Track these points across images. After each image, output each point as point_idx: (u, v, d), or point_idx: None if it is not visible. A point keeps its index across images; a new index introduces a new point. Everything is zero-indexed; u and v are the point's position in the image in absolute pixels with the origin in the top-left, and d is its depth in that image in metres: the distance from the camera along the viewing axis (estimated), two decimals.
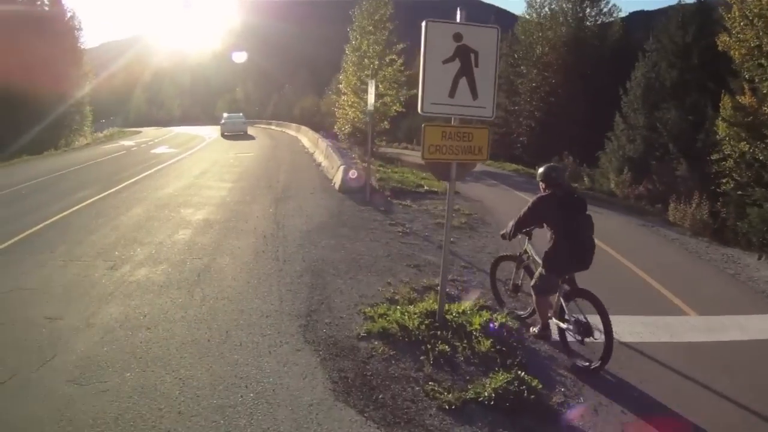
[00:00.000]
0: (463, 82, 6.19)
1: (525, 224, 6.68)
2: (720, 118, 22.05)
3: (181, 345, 6.02)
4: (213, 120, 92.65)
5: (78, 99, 42.84)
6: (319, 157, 22.24)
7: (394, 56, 32.50)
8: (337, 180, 16.09)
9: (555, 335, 6.65)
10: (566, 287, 6.36)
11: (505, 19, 57.65)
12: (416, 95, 6.40)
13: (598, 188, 27.15)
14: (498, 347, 6.12)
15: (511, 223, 6.81)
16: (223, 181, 17.58)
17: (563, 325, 6.33)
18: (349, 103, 33.51)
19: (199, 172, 20.01)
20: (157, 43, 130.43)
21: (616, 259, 11.26)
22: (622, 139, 28.78)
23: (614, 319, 5.93)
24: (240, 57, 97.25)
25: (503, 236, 7.12)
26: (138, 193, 15.51)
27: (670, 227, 16.77)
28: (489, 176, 25.30)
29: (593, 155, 34.97)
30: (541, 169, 6.49)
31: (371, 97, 14.18)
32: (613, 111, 35.97)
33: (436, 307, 6.82)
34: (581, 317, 6.13)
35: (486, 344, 6.14)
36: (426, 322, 6.60)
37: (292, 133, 44.30)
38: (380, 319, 6.65)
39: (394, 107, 32.34)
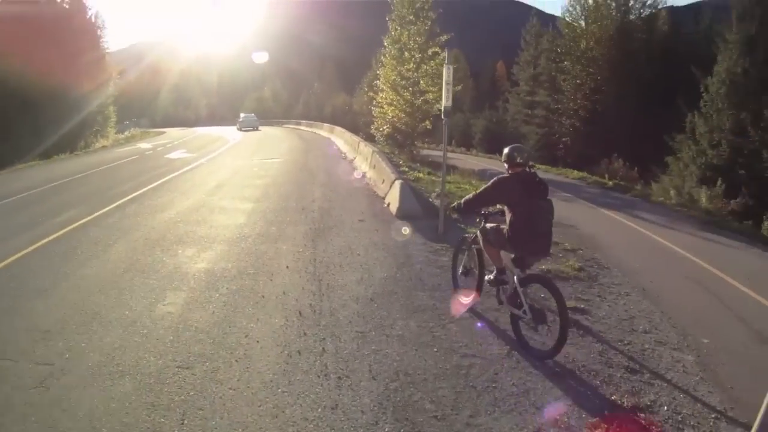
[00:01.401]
0: None
1: (483, 202, 6.21)
2: None
3: None
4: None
5: (101, 100, 41.21)
6: (362, 165, 17.94)
7: (437, 48, 28.31)
8: (393, 200, 11.89)
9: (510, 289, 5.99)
10: (521, 273, 5.86)
11: (542, 19, 53.62)
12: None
13: (678, 201, 22.11)
14: None
15: (467, 198, 6.31)
16: (243, 199, 13.42)
17: (517, 312, 5.79)
18: (388, 100, 29.27)
19: (214, 185, 15.94)
20: (186, 43, 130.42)
21: None
22: (702, 144, 23.84)
23: None
24: (261, 57, 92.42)
25: (454, 209, 6.76)
26: (130, 218, 11.52)
27: None
28: (554, 186, 21.04)
29: (644, 158, 31.34)
30: (506, 150, 6.04)
31: (447, 90, 10.06)
32: (668, 110, 33.33)
33: None
34: (535, 304, 5.80)
35: None
36: None
37: (325, 134, 39.92)
38: None
39: (437, 105, 28.17)
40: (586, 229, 12.70)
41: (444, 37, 28.53)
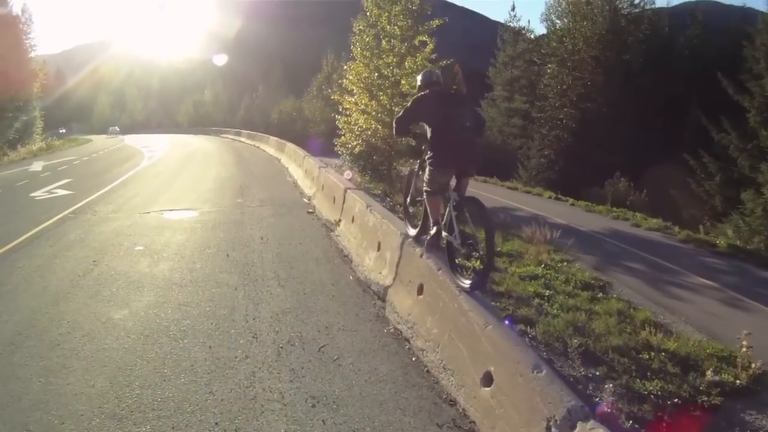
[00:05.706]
0: None
1: (409, 118, 5.66)
2: None
3: None
4: (176, 127, 78.72)
5: (21, 105, 36.08)
6: (360, 250, 7.55)
7: (425, 37, 18.97)
8: None
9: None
10: (455, 196, 5.35)
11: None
12: None
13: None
14: None
15: (396, 118, 5.75)
16: None
17: (450, 238, 5.25)
18: (360, 107, 19.54)
19: (7, 337, 5.71)
20: (129, 46, 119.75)
21: None
22: None
23: None
24: (220, 60, 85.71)
25: (397, 133, 6.08)
26: None
27: None
28: (647, 250, 12.27)
29: (648, 177, 25.14)
30: (420, 76, 5.98)
31: None
32: (675, 121, 29.93)
33: None
34: (467, 229, 5.26)
35: None
36: None
37: (271, 151, 28.66)
38: None
39: None
40: None
41: (436, 22, 19.19)
